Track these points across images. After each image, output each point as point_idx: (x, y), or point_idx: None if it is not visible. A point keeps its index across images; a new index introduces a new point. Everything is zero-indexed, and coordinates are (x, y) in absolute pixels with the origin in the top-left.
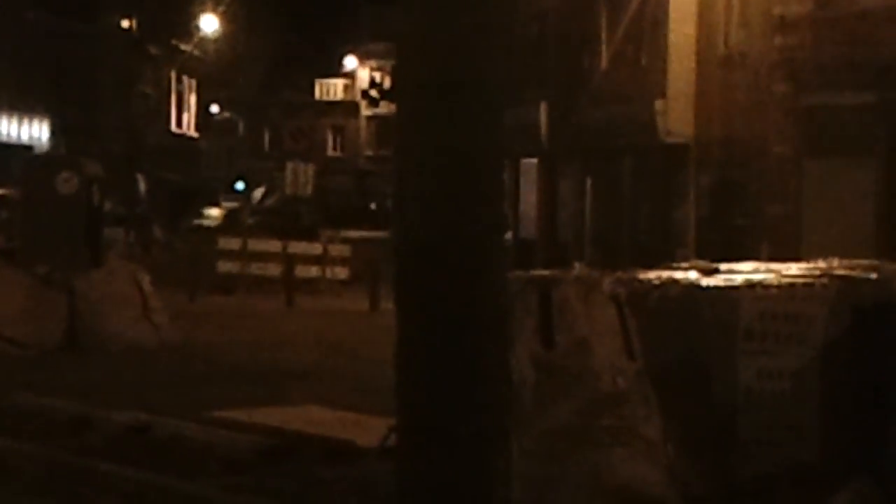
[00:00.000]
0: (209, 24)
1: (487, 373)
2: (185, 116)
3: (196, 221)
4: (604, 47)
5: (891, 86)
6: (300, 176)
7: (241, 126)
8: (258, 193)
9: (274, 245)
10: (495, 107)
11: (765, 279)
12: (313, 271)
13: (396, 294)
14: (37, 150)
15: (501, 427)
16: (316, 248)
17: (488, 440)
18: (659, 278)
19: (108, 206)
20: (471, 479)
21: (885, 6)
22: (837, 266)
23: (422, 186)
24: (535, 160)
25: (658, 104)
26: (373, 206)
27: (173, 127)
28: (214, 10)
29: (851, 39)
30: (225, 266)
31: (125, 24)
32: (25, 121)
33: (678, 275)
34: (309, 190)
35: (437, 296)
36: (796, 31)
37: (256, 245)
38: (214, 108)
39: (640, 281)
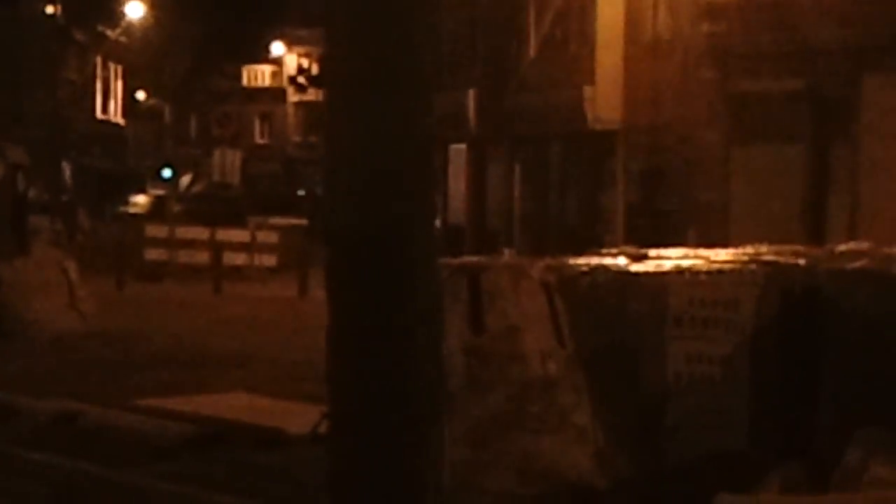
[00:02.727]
0: (135, 9)
1: (419, 359)
2: (110, 103)
3: (123, 209)
4: (532, 33)
5: (818, 72)
6: (227, 163)
7: (167, 112)
8: (185, 180)
9: (202, 232)
10: (425, 93)
11: (693, 265)
12: (241, 258)
13: (327, 281)
14: None
15: (433, 413)
16: (244, 236)
17: (420, 426)
18: (588, 264)
19: (32, 193)
20: (402, 465)
21: None
22: (766, 252)
23: (351, 173)
24: (463, 146)
25: (586, 90)
26: (301, 192)
27: (99, 113)
28: None
29: (779, 26)
30: (152, 253)
31: (49, 9)
32: None
33: (607, 261)
34: (236, 177)
35: (368, 283)
36: (724, 18)
37: (184, 232)
38: (141, 95)
39: (570, 267)
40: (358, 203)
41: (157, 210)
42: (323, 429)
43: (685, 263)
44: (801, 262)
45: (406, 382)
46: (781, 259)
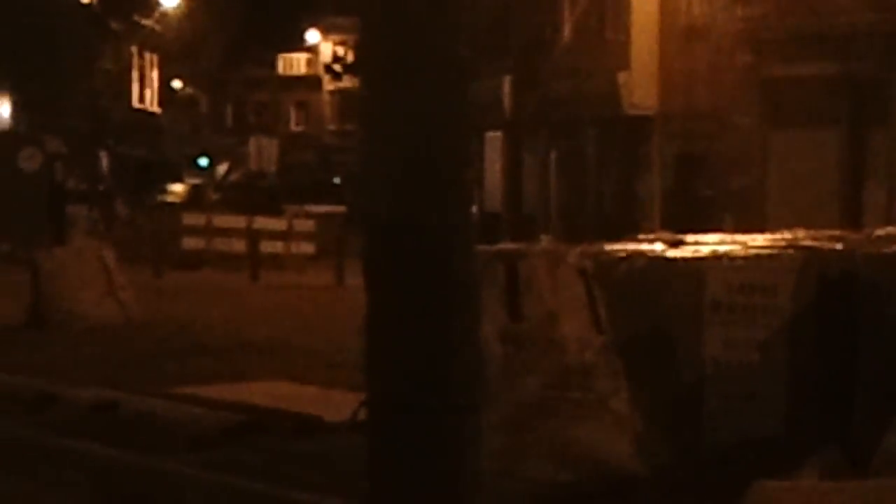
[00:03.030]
0: None
1: (457, 346)
2: (147, 92)
3: (160, 198)
4: (567, 20)
5: (853, 56)
6: (264, 151)
7: (203, 101)
8: (222, 169)
9: (238, 221)
10: (460, 79)
11: (730, 250)
12: (278, 247)
13: (365, 269)
14: None
15: (471, 400)
16: (281, 224)
17: (458, 414)
18: (625, 251)
19: (70, 182)
20: (441, 452)
21: None
22: (803, 237)
23: (387, 161)
24: (499, 133)
25: (621, 76)
26: (337, 180)
27: (135, 103)
28: None
29: (813, 10)
30: (190, 242)
31: None
32: None
33: (644, 247)
34: (273, 165)
35: (406, 270)
36: (758, 3)
37: (221, 221)
38: (177, 84)
39: (607, 253)
40: (395, 190)
41: (194, 199)
42: (361, 416)
43: (722, 249)
44: (839, 246)
45: (444, 369)
46: (818, 244)
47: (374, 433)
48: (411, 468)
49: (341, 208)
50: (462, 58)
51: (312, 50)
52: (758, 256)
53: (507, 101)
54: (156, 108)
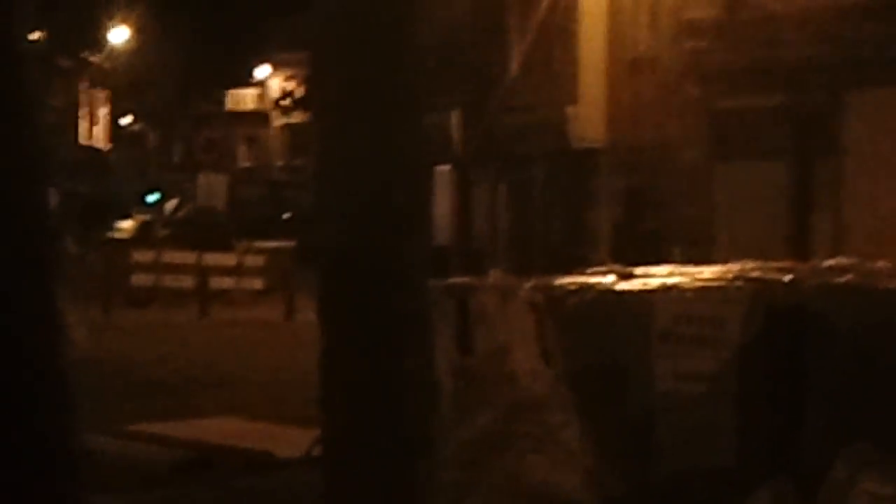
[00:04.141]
0: (119, 35)
1: (411, 380)
2: (95, 129)
3: (109, 234)
4: (514, 54)
5: (799, 88)
6: (213, 187)
7: (152, 137)
8: (171, 205)
9: (188, 257)
10: (412, 113)
11: (679, 283)
12: (228, 282)
13: (319, 304)
14: None
15: (425, 435)
16: (230, 259)
17: (412, 448)
18: (575, 284)
19: None
20: (395, 487)
21: (792, 9)
22: (751, 268)
23: (341, 195)
24: (447, 167)
25: (569, 110)
26: (287, 215)
27: (84, 139)
28: (125, 22)
29: (759, 42)
30: (139, 279)
31: (34, 36)
32: None
33: (594, 280)
34: (222, 201)
35: (359, 305)
36: (705, 35)
37: (170, 257)
38: (125, 120)
39: (557, 287)
40: (349, 224)
41: (143, 235)
42: (316, 451)
43: (671, 281)
44: (787, 278)
45: (398, 403)
46: (767, 275)
47: (329, 469)
48: (366, 503)
49: (291, 243)
50: (415, 90)
51: (261, 85)
52: (706, 288)
53: (455, 136)
54: (104, 145)
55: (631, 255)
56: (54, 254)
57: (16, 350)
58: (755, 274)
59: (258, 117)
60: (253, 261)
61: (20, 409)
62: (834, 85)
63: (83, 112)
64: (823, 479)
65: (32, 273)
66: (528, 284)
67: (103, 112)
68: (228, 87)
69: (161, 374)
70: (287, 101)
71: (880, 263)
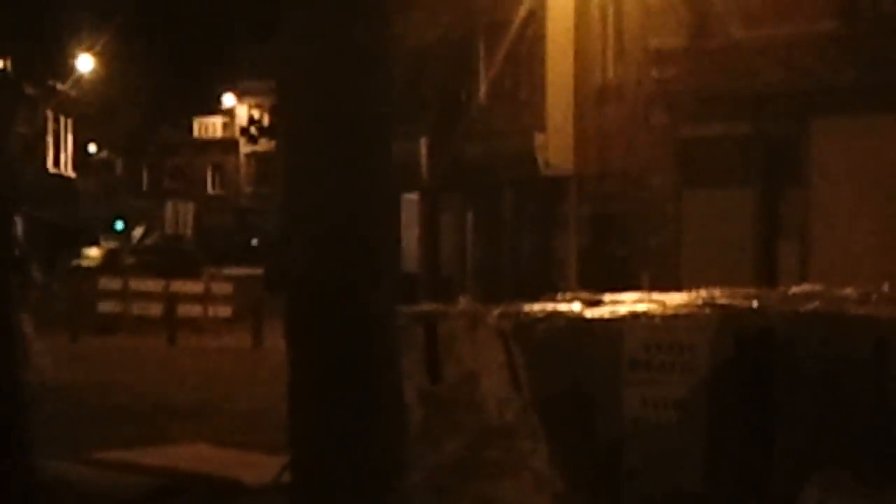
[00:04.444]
0: (85, 63)
1: (380, 408)
2: (62, 156)
3: (76, 262)
4: (482, 82)
5: (766, 116)
6: (180, 214)
7: (119, 165)
8: (138, 233)
9: (155, 284)
10: (380, 140)
11: (648, 310)
12: (196, 310)
13: (287, 331)
14: None
15: (394, 461)
16: (198, 287)
17: (381, 475)
18: (543, 311)
19: None
20: None
21: (758, 37)
22: (719, 295)
23: (308, 222)
24: (415, 195)
25: (537, 137)
26: (254, 242)
27: (50, 167)
28: (91, 50)
29: (726, 71)
30: (106, 306)
31: None
32: None
33: (562, 307)
34: (189, 228)
35: (328, 331)
36: (672, 64)
37: (137, 285)
38: (92, 148)
39: (525, 314)
40: (317, 251)
41: (110, 263)
42: (285, 478)
43: (639, 308)
44: (755, 304)
45: (367, 431)
46: (735, 302)
47: (297, 495)
48: None
49: (259, 270)
50: (384, 117)
51: (228, 113)
52: (675, 316)
53: (423, 163)
54: (71, 172)
55: (599, 282)
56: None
57: None
58: (723, 301)
59: (225, 145)
60: (220, 288)
61: None
62: (800, 113)
63: (50, 140)
64: (793, 503)
65: None
66: (496, 311)
67: (70, 140)
68: (195, 115)
69: (129, 400)
70: (254, 129)
71: (847, 290)
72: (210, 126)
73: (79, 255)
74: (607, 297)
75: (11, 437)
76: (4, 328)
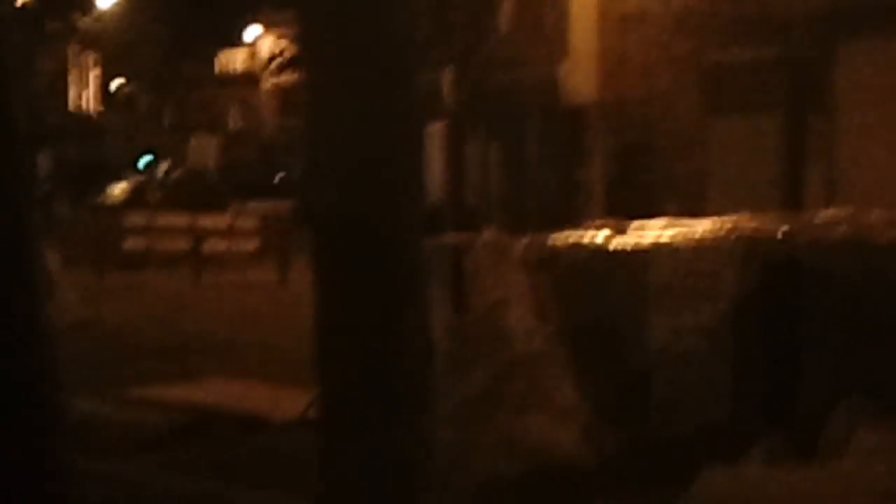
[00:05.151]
0: None
1: (407, 339)
2: (85, 93)
3: (100, 198)
4: (505, 8)
5: (792, 40)
6: (205, 149)
7: (142, 100)
8: (163, 168)
9: (181, 219)
10: (405, 71)
11: (674, 238)
12: (222, 244)
13: (314, 264)
14: None
15: (422, 394)
16: (223, 221)
17: (409, 407)
18: (569, 240)
19: None
20: (392, 446)
21: None
22: (746, 221)
23: (334, 154)
24: (439, 124)
25: (561, 65)
26: (279, 176)
27: (74, 104)
28: None
29: None
30: (132, 242)
31: (20, 1)
32: None
33: (588, 236)
34: (214, 163)
35: (354, 265)
36: None
37: (163, 220)
38: (115, 84)
39: (551, 243)
40: (343, 184)
41: (136, 199)
42: (312, 413)
43: (666, 236)
44: (781, 231)
45: (395, 362)
46: (761, 229)
47: (325, 429)
48: (363, 464)
49: (284, 204)
50: (409, 47)
51: (252, 46)
52: (701, 243)
53: (446, 92)
54: (94, 109)
55: (625, 210)
56: (35, 221)
57: None
58: (750, 227)
59: (249, 78)
60: (246, 222)
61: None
62: (826, 36)
63: (73, 76)
64: (821, 432)
65: (13, 238)
66: (522, 242)
67: (93, 76)
68: (219, 48)
69: (155, 337)
70: (277, 62)
71: (874, 215)
72: (234, 59)
73: (104, 192)
74: (633, 225)
75: (41, 376)
76: (32, 265)
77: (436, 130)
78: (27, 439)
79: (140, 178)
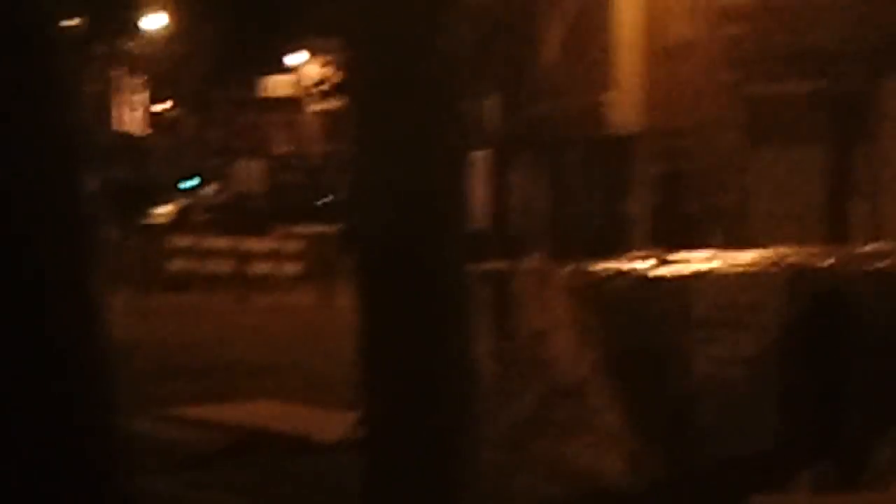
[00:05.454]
0: (155, 20)
1: (450, 363)
2: (132, 115)
3: (147, 220)
4: (551, 38)
5: (837, 73)
6: (250, 172)
7: (189, 123)
8: (208, 190)
9: (226, 242)
10: (450, 97)
11: (718, 268)
12: (266, 267)
13: (357, 287)
14: None
15: (465, 418)
16: (268, 245)
17: (453, 431)
18: (613, 269)
19: None
20: (436, 470)
21: None
22: (789, 253)
23: (379, 180)
24: (484, 153)
25: (606, 95)
26: (324, 200)
27: (120, 126)
28: (160, 7)
29: (796, 27)
30: (177, 264)
31: (70, 22)
32: None
33: (632, 265)
34: (259, 186)
35: (399, 289)
36: (743, 20)
37: (208, 242)
38: (161, 106)
39: (595, 272)
40: (388, 209)
41: (181, 221)
42: (356, 434)
43: (709, 266)
44: (825, 263)
45: (438, 387)
46: (805, 261)
47: (369, 452)
48: (406, 487)
49: (329, 229)
50: (453, 75)
51: (298, 71)
52: (745, 274)
53: (492, 120)
54: (141, 131)
55: (668, 240)
56: (91, 241)
57: (52, 338)
58: (793, 259)
59: (293, 103)
60: (291, 246)
61: (58, 400)
62: (870, 69)
63: (119, 99)
64: (866, 462)
65: (69, 261)
66: (566, 269)
67: (140, 98)
68: (265, 73)
69: (200, 357)
70: (323, 87)
71: None
72: (280, 84)
73: (150, 214)
74: (677, 255)
75: (94, 396)
76: (84, 285)
77: (481, 158)
78: (84, 460)
79: (186, 200)
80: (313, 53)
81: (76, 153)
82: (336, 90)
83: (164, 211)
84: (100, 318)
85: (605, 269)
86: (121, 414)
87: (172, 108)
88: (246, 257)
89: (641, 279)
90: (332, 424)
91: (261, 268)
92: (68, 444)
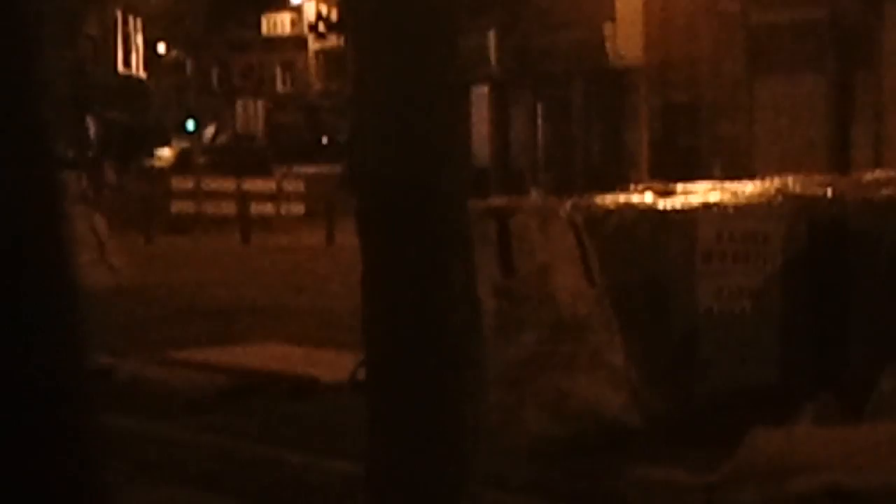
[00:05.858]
0: None
1: (454, 302)
2: (131, 57)
3: (148, 162)
4: None
5: (839, 1)
6: (250, 113)
7: (188, 64)
8: (209, 132)
9: (228, 183)
10: (449, 33)
11: (721, 199)
12: (268, 208)
13: (358, 227)
14: None
15: (469, 355)
16: (270, 185)
17: (457, 369)
18: (616, 202)
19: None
20: (440, 409)
21: None
22: (792, 183)
23: (379, 118)
24: (485, 88)
25: (607, 27)
26: (325, 140)
27: (121, 67)
28: None
29: None
30: (179, 206)
31: None
32: None
33: (634, 198)
34: (260, 127)
35: (400, 228)
36: None
37: (210, 184)
38: (162, 48)
39: (597, 206)
40: (388, 148)
41: (183, 162)
42: (360, 375)
43: (712, 198)
44: (828, 192)
45: (442, 325)
46: (808, 190)
47: (373, 392)
48: (411, 426)
49: (330, 168)
50: (449, 11)
51: (296, 9)
52: (748, 205)
53: (492, 56)
54: (141, 73)
55: (671, 172)
56: (89, 182)
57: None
58: (797, 189)
59: (294, 42)
60: (292, 186)
61: (24, 345)
62: None
63: (119, 40)
64: (869, 394)
65: (36, 206)
66: (568, 204)
67: (139, 40)
68: (264, 12)
69: (203, 299)
70: (322, 25)
71: None
72: (278, 23)
73: (151, 156)
74: (679, 187)
75: (82, 337)
76: (65, 227)
77: (481, 94)
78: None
79: (187, 142)
80: None
81: (74, 97)
82: (335, 28)
83: (165, 153)
84: (73, 263)
85: (607, 203)
86: (115, 356)
87: (172, 49)
88: (247, 198)
89: (643, 212)
90: (335, 365)
91: (263, 208)
92: (46, 434)
